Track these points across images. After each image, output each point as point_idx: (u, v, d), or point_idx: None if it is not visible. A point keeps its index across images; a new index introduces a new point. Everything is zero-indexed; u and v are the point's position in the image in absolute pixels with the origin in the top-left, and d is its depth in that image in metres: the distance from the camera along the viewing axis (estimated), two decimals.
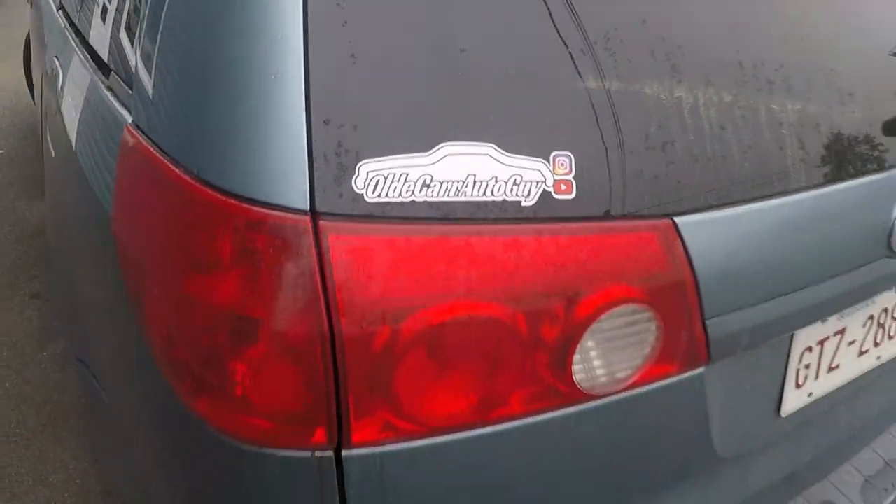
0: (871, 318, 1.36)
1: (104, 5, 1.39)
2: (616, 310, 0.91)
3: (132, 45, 1.09)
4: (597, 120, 0.91)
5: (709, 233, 0.98)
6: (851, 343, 1.34)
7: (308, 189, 0.79)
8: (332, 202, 0.80)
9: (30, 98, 4.75)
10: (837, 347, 1.31)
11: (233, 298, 0.81)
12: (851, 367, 1.37)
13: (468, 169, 0.83)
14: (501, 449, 0.93)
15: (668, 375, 1.00)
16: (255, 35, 0.81)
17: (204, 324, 0.83)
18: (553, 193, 0.88)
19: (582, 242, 0.89)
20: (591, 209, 0.90)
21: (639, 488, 1.10)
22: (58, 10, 2.13)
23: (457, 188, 0.83)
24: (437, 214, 0.83)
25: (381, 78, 0.83)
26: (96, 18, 1.47)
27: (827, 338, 1.28)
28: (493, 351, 0.86)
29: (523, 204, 0.86)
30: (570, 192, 0.88)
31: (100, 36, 1.37)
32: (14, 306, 3.00)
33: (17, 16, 7.16)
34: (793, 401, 1.27)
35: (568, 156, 0.88)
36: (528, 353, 0.88)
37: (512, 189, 0.85)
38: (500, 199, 0.85)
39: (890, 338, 1.43)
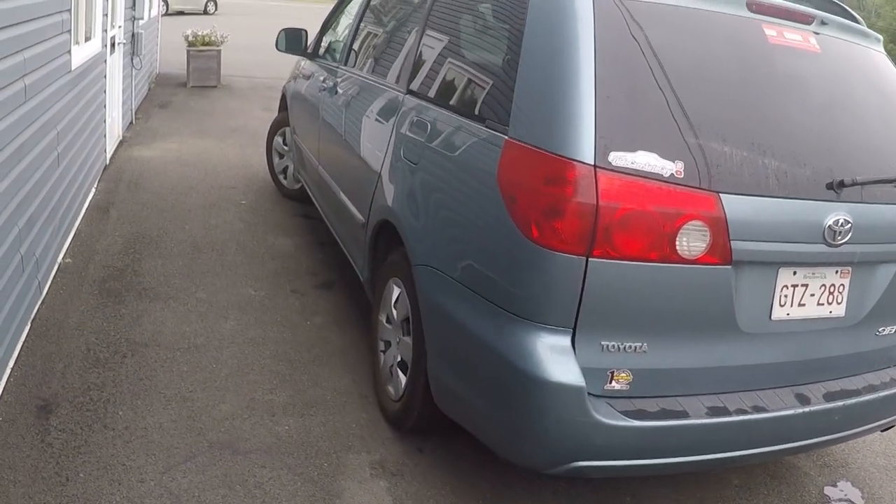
0: (824, 285, 2.71)
1: (469, 79, 2.99)
2: (693, 222, 2.35)
3: (509, 95, 2.61)
4: (698, 143, 2.38)
5: (737, 204, 2.42)
6: (812, 295, 2.70)
7: (593, 155, 2.29)
8: (602, 162, 2.31)
9: (257, 168, 6.48)
10: (804, 293, 2.67)
11: (558, 194, 2.29)
12: (813, 309, 2.71)
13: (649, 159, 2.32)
14: (642, 274, 2.36)
15: (712, 263, 2.41)
16: (578, 84, 2.34)
17: (545, 204, 2.33)
18: (674, 174, 2.34)
19: (684, 194, 2.35)
20: (689, 182, 2.36)
21: (690, 329, 2.49)
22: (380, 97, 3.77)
23: (644, 164, 2.31)
24: (634, 173, 2.32)
25: (629, 113, 2.34)
26: (466, 89, 3.04)
27: (797, 285, 2.64)
28: (648, 231, 2.32)
29: (665, 176, 2.33)
30: (681, 174, 2.35)
31: (470, 99, 2.92)
32: (279, 296, 4.51)
33: (186, 112, 9.13)
34: (777, 312, 2.62)
35: (685, 160, 2.35)
36: (662, 235, 2.33)
37: (662, 169, 2.33)
38: (658, 172, 2.33)
39: (838, 303, 2.77)
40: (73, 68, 4.69)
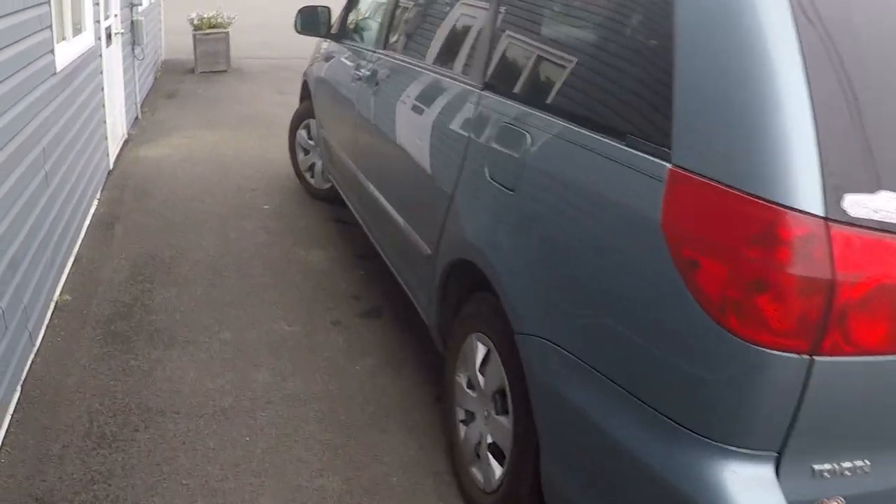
0: None
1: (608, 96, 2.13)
2: None
3: (664, 97, 1.79)
4: None
5: None
6: None
7: (821, 201, 1.49)
8: (834, 212, 1.50)
9: (278, 163, 5.71)
10: None
11: (769, 262, 1.49)
12: None
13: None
14: (883, 373, 1.57)
15: None
16: (785, 88, 1.53)
17: (749, 276, 1.53)
18: None
19: None
20: None
21: None
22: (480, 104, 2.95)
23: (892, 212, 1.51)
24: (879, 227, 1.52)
25: (860, 134, 1.52)
26: (585, 84, 2.22)
27: None
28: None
29: None
30: None
31: (611, 111, 2.05)
32: (319, 330, 3.76)
33: (195, 101, 8.35)
34: None
35: None
36: None
37: None
38: None
39: None
40: (58, 70, 3.93)
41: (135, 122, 7.57)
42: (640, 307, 1.79)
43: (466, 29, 3.05)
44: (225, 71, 10.60)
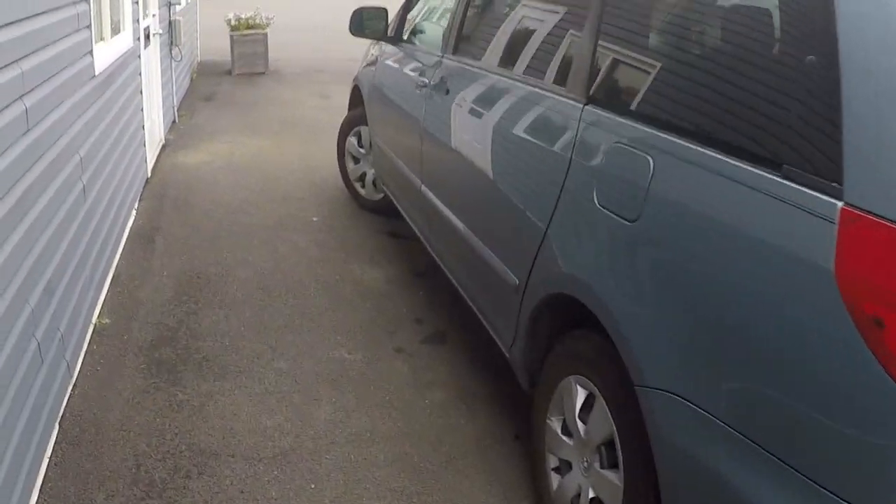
0: None
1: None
2: None
3: (832, 122, 1.44)
4: None
5: None
6: None
7: None
8: None
9: (324, 172, 5.41)
10: None
11: None
12: None
13: None
14: None
15: None
16: None
17: None
18: None
19: None
20: None
21: None
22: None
23: None
24: None
25: None
26: (722, 101, 1.85)
27: None
28: None
29: None
30: None
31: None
32: (382, 358, 3.41)
33: (233, 105, 8.06)
34: None
35: None
36: None
37: None
38: None
39: None
40: (97, 72, 3.63)
41: (172, 127, 7.30)
42: (805, 367, 1.47)
43: (561, 32, 2.69)
44: (263, 73, 10.32)
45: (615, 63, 2.29)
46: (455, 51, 3.46)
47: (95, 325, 3.51)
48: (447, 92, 3.33)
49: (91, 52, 3.54)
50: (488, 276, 2.82)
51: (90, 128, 3.47)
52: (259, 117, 7.89)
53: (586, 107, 2.30)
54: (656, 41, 2.18)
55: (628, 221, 1.98)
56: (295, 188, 5.61)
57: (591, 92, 2.31)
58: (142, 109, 5.29)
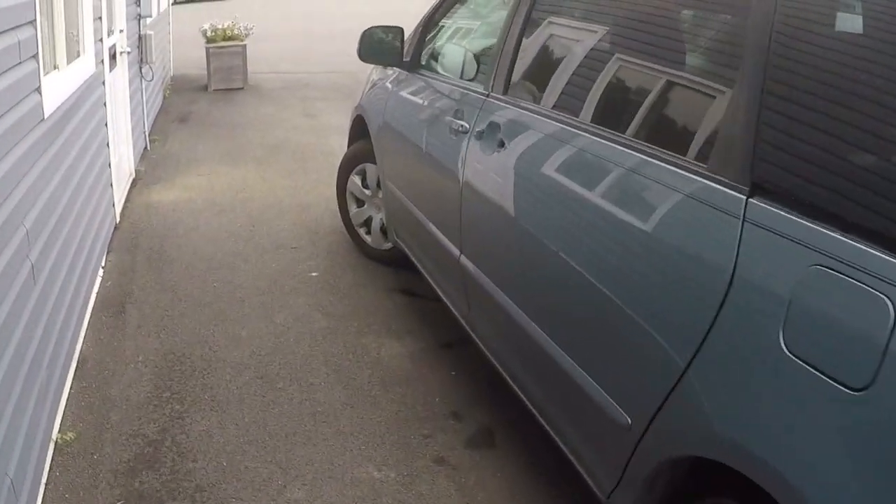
0: None
1: None
2: None
3: None
4: None
5: None
6: None
7: None
8: None
9: (318, 208, 4.68)
10: None
11: None
12: None
13: None
14: None
15: None
16: None
17: None
18: None
19: None
20: None
21: None
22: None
23: None
24: None
25: None
26: None
27: None
28: None
29: None
30: None
31: None
32: (420, 474, 2.70)
33: (210, 126, 7.30)
34: None
35: None
36: None
37: None
38: None
39: None
40: (47, 114, 2.87)
41: (143, 154, 6.53)
42: None
43: (697, 77, 1.98)
44: (241, 88, 9.54)
45: (804, 136, 1.57)
46: (506, 90, 2.72)
47: (57, 441, 2.75)
48: (501, 145, 2.59)
49: (38, 90, 2.78)
50: (580, 403, 2.12)
51: (38, 188, 2.72)
52: (239, 142, 7.13)
53: (751, 200, 1.59)
54: (869, 98, 1.47)
55: (849, 389, 1.30)
56: (287, 234, 4.86)
57: (754, 177, 1.60)
58: (107, 145, 4.51)
